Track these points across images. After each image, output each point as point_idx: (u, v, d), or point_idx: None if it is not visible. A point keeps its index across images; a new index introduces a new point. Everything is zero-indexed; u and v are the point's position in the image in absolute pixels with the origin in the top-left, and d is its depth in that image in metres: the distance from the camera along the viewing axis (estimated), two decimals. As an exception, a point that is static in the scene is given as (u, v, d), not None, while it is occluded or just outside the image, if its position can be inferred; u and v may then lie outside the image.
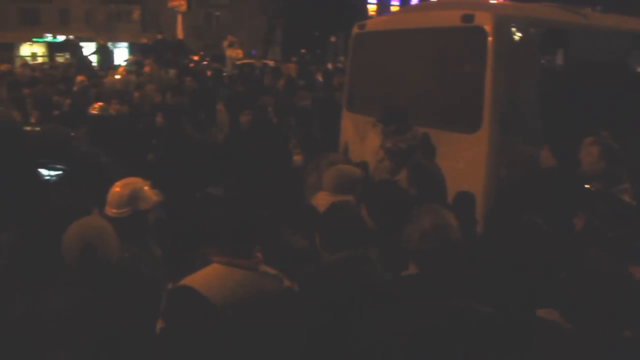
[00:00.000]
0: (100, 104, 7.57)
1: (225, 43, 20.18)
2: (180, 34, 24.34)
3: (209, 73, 14.19)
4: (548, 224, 3.63)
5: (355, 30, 7.88)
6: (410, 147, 5.08)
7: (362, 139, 7.18)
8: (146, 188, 3.69)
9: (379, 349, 2.48)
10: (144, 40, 22.75)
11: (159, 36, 21.08)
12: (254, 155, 6.47)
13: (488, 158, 4.91)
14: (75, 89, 11.49)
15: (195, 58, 19.34)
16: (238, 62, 18.82)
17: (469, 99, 6.14)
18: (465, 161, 5.81)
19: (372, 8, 41.35)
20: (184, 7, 23.83)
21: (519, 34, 6.24)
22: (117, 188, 3.63)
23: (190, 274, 2.85)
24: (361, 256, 2.94)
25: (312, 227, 3.29)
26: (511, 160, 5.78)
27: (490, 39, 5.99)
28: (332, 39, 21.91)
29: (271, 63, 18.63)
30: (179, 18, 24.79)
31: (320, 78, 12.95)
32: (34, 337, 2.85)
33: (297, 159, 6.97)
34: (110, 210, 3.54)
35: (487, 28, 6.03)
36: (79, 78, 12.05)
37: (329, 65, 16.89)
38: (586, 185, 4.27)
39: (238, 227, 2.85)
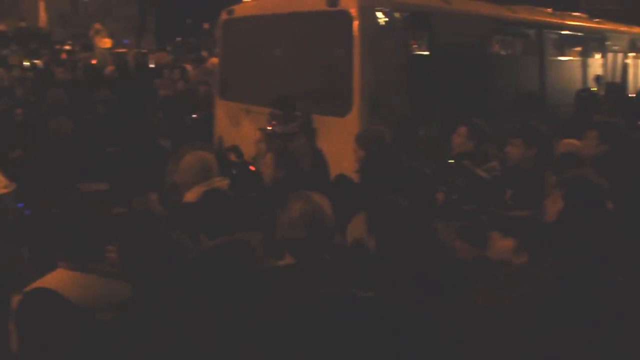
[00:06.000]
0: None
1: (92, 32, 19.24)
2: (43, 22, 22.93)
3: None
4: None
5: (224, 16, 7.73)
6: (286, 132, 5.09)
7: (236, 126, 7.09)
8: None
9: (252, 338, 2.40)
10: (2, 28, 21.24)
11: (22, 24, 19.72)
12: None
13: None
14: None
15: (67, 47, 18.29)
16: (110, 52, 18.04)
17: (339, 83, 6.20)
18: (338, 144, 5.87)
19: (247, -7, 40.43)
20: (46, -8, 22.57)
21: (384, 17, 6.38)
22: None
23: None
24: (240, 241, 2.84)
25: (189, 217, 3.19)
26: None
27: (355, 22, 6.07)
28: (205, 25, 21.49)
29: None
30: (41, 4, 23.33)
31: (189, 67, 12.65)
32: None
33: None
34: None
35: (353, 11, 6.11)
36: None
37: (204, 53, 16.55)
38: (449, 160, 4.42)
39: (83, 231, 2.69)
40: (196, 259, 2.71)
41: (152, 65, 14.08)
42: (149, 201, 3.96)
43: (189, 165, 3.94)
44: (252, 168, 5.24)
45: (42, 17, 22.96)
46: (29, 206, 4.48)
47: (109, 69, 11.90)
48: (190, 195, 3.88)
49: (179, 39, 21.43)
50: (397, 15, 6.55)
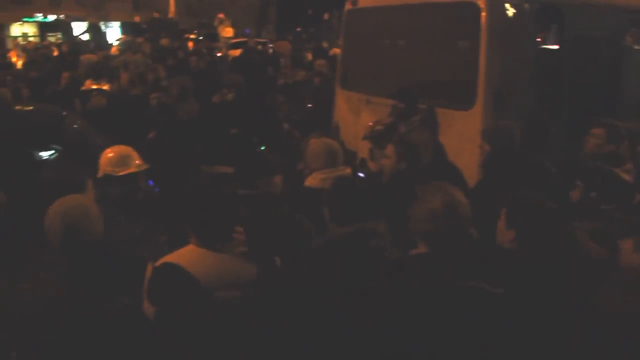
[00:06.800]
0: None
1: (216, 21, 20.01)
2: (172, 12, 24.08)
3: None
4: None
5: (348, 6, 7.83)
6: (387, 128, 5.10)
7: (355, 116, 7.17)
8: (134, 154, 3.90)
9: (381, 326, 2.39)
10: (137, 19, 22.53)
11: (156, 14, 20.82)
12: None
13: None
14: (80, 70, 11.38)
15: (192, 36, 19.16)
16: (232, 41, 18.69)
17: (463, 76, 6.10)
18: (460, 137, 5.78)
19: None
20: (176, -15, 23.67)
21: (513, 10, 6.19)
22: (108, 152, 3.88)
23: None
24: (369, 229, 2.87)
25: (318, 203, 3.26)
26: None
27: (484, 13, 5.94)
28: (325, 16, 21.80)
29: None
30: (172, -5, 24.51)
31: (309, 57, 12.92)
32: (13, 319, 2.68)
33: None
34: (102, 171, 3.76)
35: (481, 3, 5.99)
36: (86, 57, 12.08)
37: (324, 44, 16.77)
38: (583, 160, 4.24)
39: (212, 211, 2.80)
40: (326, 245, 2.76)
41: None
42: (274, 184, 4.09)
43: (315, 151, 4.03)
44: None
45: (172, 8, 24.10)
46: (159, 185, 4.75)
47: (232, 55, 12.39)
48: (311, 181, 3.97)
49: (299, 29, 21.84)
50: (526, 6, 6.34)
